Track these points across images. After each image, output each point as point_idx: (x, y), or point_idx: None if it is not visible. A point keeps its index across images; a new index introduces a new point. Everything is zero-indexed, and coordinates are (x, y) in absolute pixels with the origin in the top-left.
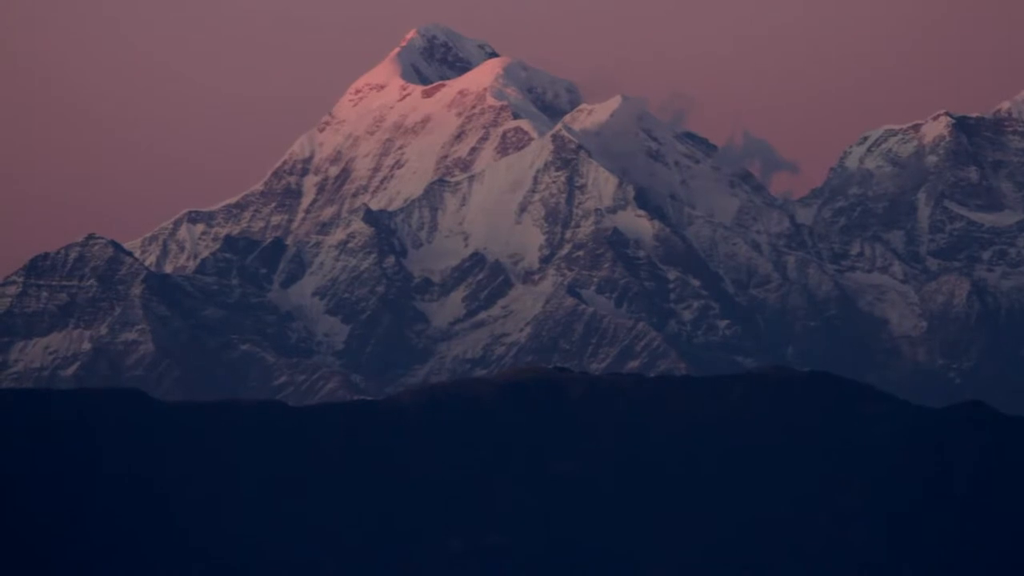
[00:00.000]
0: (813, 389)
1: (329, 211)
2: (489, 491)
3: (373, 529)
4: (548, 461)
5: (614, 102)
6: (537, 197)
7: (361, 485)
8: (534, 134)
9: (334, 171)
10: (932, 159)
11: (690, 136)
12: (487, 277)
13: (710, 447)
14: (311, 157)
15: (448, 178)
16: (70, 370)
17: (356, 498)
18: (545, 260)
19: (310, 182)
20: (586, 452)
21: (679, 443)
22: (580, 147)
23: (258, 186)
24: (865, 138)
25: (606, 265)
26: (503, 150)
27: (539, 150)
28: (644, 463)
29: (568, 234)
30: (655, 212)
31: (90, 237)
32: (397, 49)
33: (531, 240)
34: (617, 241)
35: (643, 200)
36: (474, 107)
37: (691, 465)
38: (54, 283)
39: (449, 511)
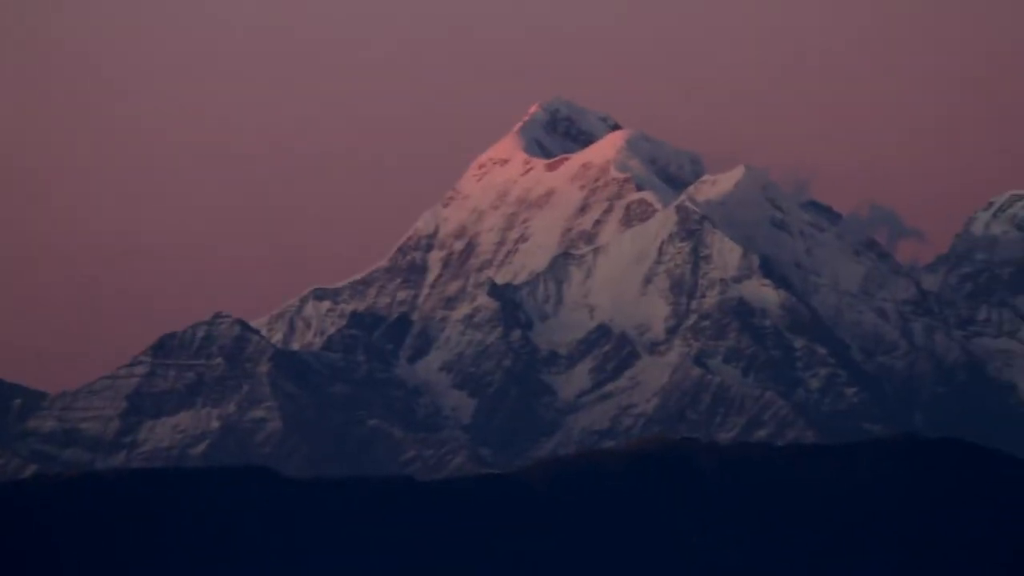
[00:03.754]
0: (943, 456)
1: (454, 286)
2: (619, 563)
3: None
4: (678, 532)
5: (737, 172)
6: (662, 268)
7: (490, 557)
8: (658, 205)
9: (459, 246)
10: None
11: (814, 205)
12: (613, 349)
13: (840, 515)
14: (436, 232)
15: (573, 251)
16: (199, 448)
17: (486, 571)
18: (671, 331)
19: (435, 257)
20: (716, 522)
21: (809, 512)
22: (704, 218)
23: (383, 262)
24: (991, 203)
25: (732, 335)
26: (627, 222)
27: (663, 221)
28: (774, 532)
29: (693, 304)
30: (780, 281)
31: (217, 316)
32: (520, 124)
33: (657, 311)
34: (743, 311)
35: (768, 269)
36: (597, 180)
37: (821, 534)
38: (182, 362)
39: None
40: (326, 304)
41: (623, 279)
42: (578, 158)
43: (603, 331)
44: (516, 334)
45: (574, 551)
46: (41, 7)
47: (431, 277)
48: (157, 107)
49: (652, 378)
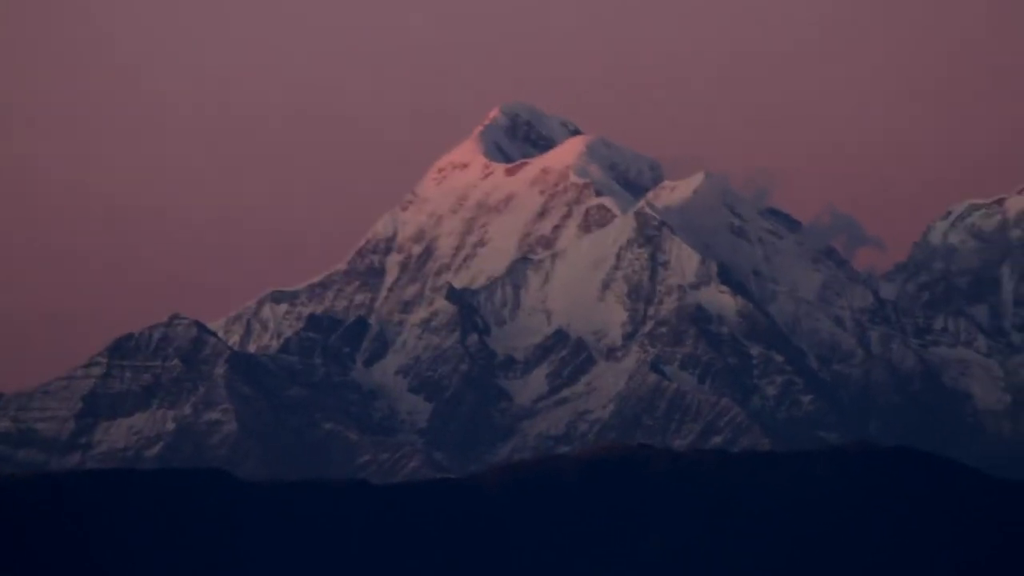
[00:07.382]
0: (897, 464)
1: (412, 289)
2: (573, 569)
3: None
4: (631, 538)
5: (697, 179)
6: (620, 274)
7: (445, 562)
8: (617, 211)
9: (417, 250)
10: (1016, 233)
11: (774, 212)
12: (570, 354)
13: (794, 523)
14: (394, 236)
15: (531, 256)
16: (154, 450)
17: None
18: (628, 337)
19: (393, 261)
20: (670, 529)
21: (763, 519)
22: (663, 224)
23: (341, 265)
24: (949, 212)
25: (689, 341)
26: (586, 228)
27: (622, 227)
28: (728, 539)
29: (651, 311)
30: (738, 288)
31: (174, 317)
32: (480, 128)
33: (614, 317)
34: (700, 317)
35: (726, 276)
36: (557, 185)
37: (775, 542)
38: (138, 363)
39: None
40: (283, 307)
41: (581, 284)
42: (538, 163)
43: (560, 336)
44: (473, 339)
45: (528, 557)
46: None
47: (389, 280)
48: (112, 110)
49: (608, 384)
